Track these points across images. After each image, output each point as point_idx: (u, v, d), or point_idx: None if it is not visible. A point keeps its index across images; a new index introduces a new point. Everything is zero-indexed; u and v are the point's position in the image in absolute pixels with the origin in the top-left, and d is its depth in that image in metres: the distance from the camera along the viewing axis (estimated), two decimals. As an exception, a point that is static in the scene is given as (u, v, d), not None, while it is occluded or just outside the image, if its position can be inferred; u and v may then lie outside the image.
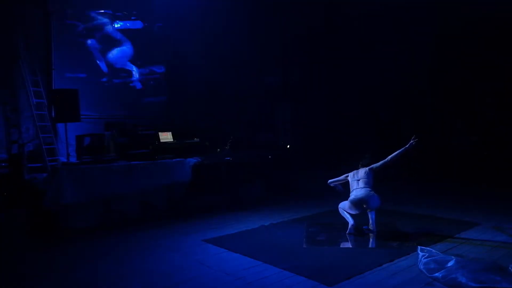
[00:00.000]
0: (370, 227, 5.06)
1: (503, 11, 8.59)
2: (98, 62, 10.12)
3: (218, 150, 7.93)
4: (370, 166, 5.21)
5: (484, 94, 9.45)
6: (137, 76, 10.85)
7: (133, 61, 10.74)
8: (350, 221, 5.05)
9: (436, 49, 9.97)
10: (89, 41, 9.95)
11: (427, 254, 3.83)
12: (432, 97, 10.17)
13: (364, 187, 5.03)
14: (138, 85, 10.88)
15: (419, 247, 4.05)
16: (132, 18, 10.73)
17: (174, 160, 6.54)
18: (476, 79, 9.38)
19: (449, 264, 3.58)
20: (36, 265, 4.27)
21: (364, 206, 4.97)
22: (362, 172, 5.20)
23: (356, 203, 5.00)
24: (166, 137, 7.04)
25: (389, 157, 5.10)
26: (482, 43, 9.07)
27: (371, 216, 5.02)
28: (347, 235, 4.98)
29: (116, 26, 10.43)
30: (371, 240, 4.85)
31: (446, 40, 9.68)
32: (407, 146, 5.01)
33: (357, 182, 5.14)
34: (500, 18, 8.74)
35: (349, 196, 5.12)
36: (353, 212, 5.10)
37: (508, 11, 8.50)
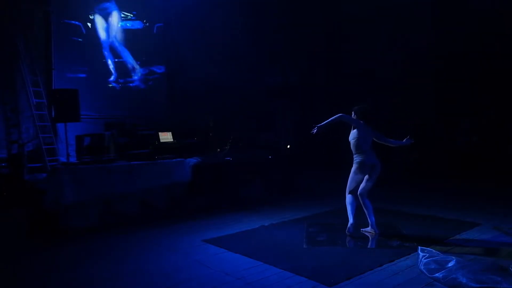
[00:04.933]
0: (371, 229, 5.02)
1: (505, 11, 8.60)
2: (98, 62, 10.12)
3: (218, 150, 7.92)
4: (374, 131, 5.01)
5: (485, 94, 9.44)
6: (137, 76, 10.86)
7: (133, 61, 10.74)
8: (351, 219, 4.91)
9: (437, 49, 9.97)
10: (89, 41, 9.94)
11: (428, 255, 3.82)
12: (432, 97, 10.17)
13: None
14: (138, 85, 10.88)
15: (419, 247, 4.04)
16: (132, 18, 10.73)
17: (174, 160, 6.53)
18: (477, 78, 9.38)
19: (450, 264, 3.57)
20: (36, 265, 4.27)
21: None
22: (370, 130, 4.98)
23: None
24: (166, 137, 7.03)
25: (386, 140, 5.06)
26: (484, 43, 9.08)
27: (370, 219, 4.98)
28: (347, 235, 4.94)
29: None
30: (371, 240, 4.84)
31: (448, 41, 9.68)
32: (402, 142, 5.00)
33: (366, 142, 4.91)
34: (501, 17, 8.74)
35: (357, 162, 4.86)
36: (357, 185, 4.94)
37: (509, 10, 8.51)
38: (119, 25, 10.48)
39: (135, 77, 10.76)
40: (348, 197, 4.98)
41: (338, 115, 4.81)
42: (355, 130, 4.94)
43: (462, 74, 9.54)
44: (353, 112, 5.06)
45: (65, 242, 5.04)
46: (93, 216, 5.57)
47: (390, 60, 10.37)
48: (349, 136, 5.03)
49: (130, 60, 10.64)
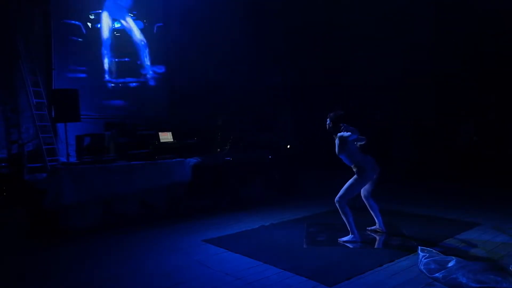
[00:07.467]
0: (378, 228, 5.00)
1: (505, 11, 8.59)
2: (98, 62, 10.11)
3: (218, 150, 7.92)
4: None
5: (485, 94, 9.44)
6: (137, 76, 10.85)
7: (133, 61, 10.73)
8: (356, 233, 4.65)
9: (437, 49, 9.96)
10: (89, 41, 9.93)
11: (428, 255, 3.82)
12: (432, 97, 10.16)
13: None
14: (138, 85, 10.88)
15: (419, 247, 4.04)
16: (132, 18, 10.73)
17: (174, 160, 6.53)
18: (477, 78, 9.38)
19: (450, 264, 3.57)
20: (36, 265, 4.27)
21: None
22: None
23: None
24: (166, 137, 7.03)
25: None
26: (484, 43, 9.07)
27: (377, 219, 4.95)
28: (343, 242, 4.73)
29: (116, 26, 10.43)
30: (371, 240, 4.83)
31: (448, 41, 9.67)
32: None
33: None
34: (501, 17, 8.74)
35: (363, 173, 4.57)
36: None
37: (509, 10, 8.51)
38: (119, 25, 10.46)
39: (135, 77, 10.75)
40: (345, 209, 4.61)
41: (363, 137, 4.66)
42: (346, 142, 4.52)
43: (462, 74, 9.53)
44: (331, 121, 4.65)
45: (65, 242, 5.04)
46: (93, 216, 5.57)
47: (390, 60, 10.36)
48: (335, 149, 4.62)
49: (144, 58, 10.65)
